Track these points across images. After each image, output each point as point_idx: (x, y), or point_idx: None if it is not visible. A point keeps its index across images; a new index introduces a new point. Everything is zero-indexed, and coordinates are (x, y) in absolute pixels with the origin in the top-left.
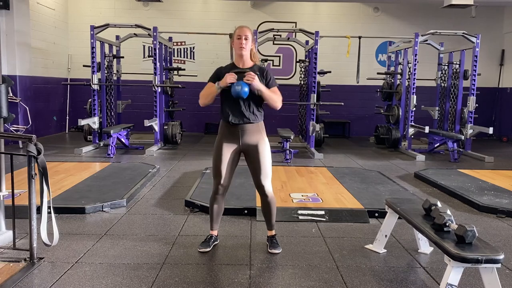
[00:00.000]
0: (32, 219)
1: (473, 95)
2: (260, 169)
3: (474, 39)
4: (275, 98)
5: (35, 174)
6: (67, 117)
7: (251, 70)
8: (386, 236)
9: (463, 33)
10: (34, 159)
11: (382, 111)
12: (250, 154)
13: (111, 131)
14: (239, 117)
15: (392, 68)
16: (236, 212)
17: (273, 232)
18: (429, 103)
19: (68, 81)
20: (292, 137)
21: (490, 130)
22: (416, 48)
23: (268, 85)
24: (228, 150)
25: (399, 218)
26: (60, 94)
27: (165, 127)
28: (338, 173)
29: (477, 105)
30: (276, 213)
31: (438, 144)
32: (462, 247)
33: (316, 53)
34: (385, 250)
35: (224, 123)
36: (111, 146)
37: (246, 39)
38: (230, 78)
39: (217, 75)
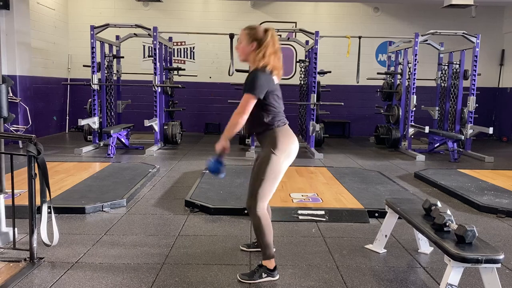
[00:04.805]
0: (32, 219)
1: (473, 95)
2: (249, 185)
3: (474, 39)
4: (231, 121)
5: (35, 174)
6: (67, 117)
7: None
8: (386, 236)
9: (463, 33)
10: (34, 159)
11: (382, 111)
12: None
13: (111, 131)
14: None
15: (392, 68)
16: (236, 212)
17: (262, 263)
18: (429, 103)
19: (68, 81)
20: None
21: (490, 130)
22: (416, 48)
23: None
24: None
25: (399, 218)
26: (60, 94)
27: (165, 127)
28: (338, 173)
29: (477, 105)
30: (266, 233)
31: (438, 144)
32: (462, 247)
33: (316, 53)
34: (385, 250)
35: None
36: (111, 146)
37: (240, 43)
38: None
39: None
